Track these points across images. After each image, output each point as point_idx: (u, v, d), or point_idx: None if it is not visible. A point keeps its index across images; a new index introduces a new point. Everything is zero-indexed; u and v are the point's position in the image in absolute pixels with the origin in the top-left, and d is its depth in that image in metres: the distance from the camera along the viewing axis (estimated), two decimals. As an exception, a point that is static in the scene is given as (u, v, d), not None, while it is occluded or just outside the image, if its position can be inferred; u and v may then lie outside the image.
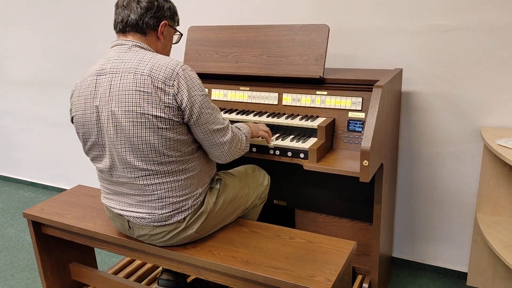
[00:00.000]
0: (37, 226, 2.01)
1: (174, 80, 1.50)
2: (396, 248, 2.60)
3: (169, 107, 1.49)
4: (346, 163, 1.88)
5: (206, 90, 2.33)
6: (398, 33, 2.26)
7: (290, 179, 2.35)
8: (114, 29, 1.66)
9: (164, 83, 1.49)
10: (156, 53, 1.59)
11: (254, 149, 2.03)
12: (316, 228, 2.39)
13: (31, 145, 3.94)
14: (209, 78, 2.36)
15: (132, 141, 1.52)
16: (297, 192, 2.36)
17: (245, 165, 2.08)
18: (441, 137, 2.30)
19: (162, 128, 1.50)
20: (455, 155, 2.29)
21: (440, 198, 2.39)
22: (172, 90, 1.49)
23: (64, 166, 3.80)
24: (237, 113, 2.20)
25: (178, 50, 2.76)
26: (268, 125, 2.09)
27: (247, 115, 2.17)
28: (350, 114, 2.04)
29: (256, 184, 1.98)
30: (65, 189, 3.88)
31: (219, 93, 2.34)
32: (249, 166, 2.07)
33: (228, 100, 2.32)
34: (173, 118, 1.51)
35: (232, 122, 2.16)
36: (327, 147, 2.01)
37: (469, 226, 2.37)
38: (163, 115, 1.49)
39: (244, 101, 2.28)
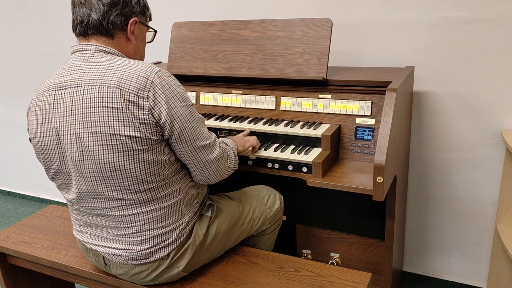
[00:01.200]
0: (2, 256, 1.75)
1: (149, 91, 1.24)
2: (406, 262, 2.38)
3: (144, 123, 1.24)
4: (356, 177, 1.64)
5: (193, 95, 2.07)
6: (408, 27, 2.01)
7: (291, 191, 2.11)
8: (73, 31, 1.38)
9: (136, 95, 1.23)
10: (126, 58, 1.33)
11: (250, 162, 1.78)
12: (320, 244, 2.16)
13: (6, 152, 3.65)
14: (197, 80, 2.11)
15: (102, 168, 1.26)
16: (298, 205, 2.12)
17: (251, 187, 1.83)
18: (456, 141, 2.07)
19: (138, 150, 1.25)
20: (472, 160, 2.07)
21: (455, 207, 2.17)
22: (147, 103, 1.23)
23: (43, 175, 3.52)
24: (230, 120, 1.95)
25: (163, 48, 2.49)
26: (265, 134, 1.84)
27: (240, 122, 1.92)
28: (358, 120, 1.80)
29: (262, 207, 1.73)
30: (45, 199, 3.61)
31: (208, 97, 2.09)
32: (255, 187, 1.82)
33: (218, 105, 2.06)
34: (151, 137, 1.25)
35: (224, 130, 1.91)
36: (333, 158, 1.77)
37: (487, 238, 2.15)
38: (138, 134, 1.24)
39: (237, 106, 2.03)
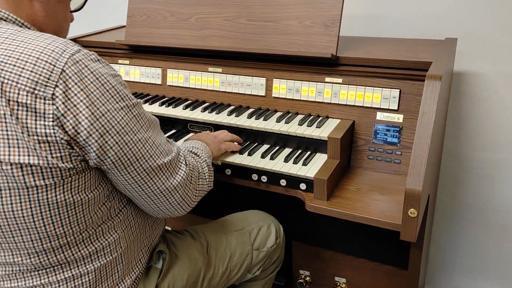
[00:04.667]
0: None
1: (56, 86, 0.74)
2: (427, 280, 1.92)
3: (47, 142, 0.75)
4: (375, 200, 1.16)
5: (159, 72, 1.55)
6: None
7: (285, 199, 1.62)
8: None
9: (32, 93, 0.73)
10: (26, 30, 0.81)
11: (228, 172, 1.29)
12: (321, 266, 1.69)
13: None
14: (162, 53, 1.58)
15: None
16: (295, 218, 1.63)
17: (233, 215, 1.34)
18: (508, 138, 1.56)
19: (38, 187, 0.77)
20: (526, 164, 1.57)
21: (495, 220, 1.69)
22: (51, 106, 0.74)
23: None
24: (205, 109, 1.44)
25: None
26: (250, 130, 1.34)
27: (218, 112, 1.41)
28: (380, 116, 1.29)
29: (247, 248, 1.24)
30: None
31: (177, 76, 1.57)
32: (239, 215, 1.33)
33: (190, 86, 1.55)
34: (60, 165, 0.76)
35: (196, 124, 1.41)
36: (343, 168, 1.28)
37: (536, 260, 1.68)
38: (37, 162, 0.75)
39: (215, 89, 1.51)
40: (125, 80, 1.66)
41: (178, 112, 1.44)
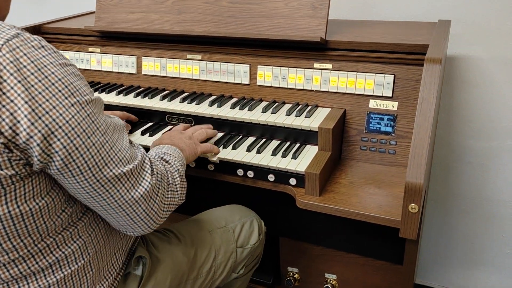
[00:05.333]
0: None
1: None
2: (419, 272, 1.87)
3: None
4: (371, 194, 1.08)
5: (133, 60, 1.44)
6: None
7: (270, 192, 1.53)
8: None
9: None
10: None
11: (211, 167, 1.19)
12: (310, 263, 1.61)
13: None
14: (137, 40, 1.47)
15: None
16: (282, 213, 1.54)
17: (213, 210, 1.24)
18: (501, 125, 1.50)
19: None
20: (519, 151, 1.51)
21: (488, 210, 1.64)
22: None
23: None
24: (183, 100, 1.33)
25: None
26: (234, 122, 1.24)
27: (198, 102, 1.31)
28: (373, 103, 1.20)
29: (231, 246, 1.15)
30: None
31: (153, 64, 1.45)
32: (220, 211, 1.23)
33: (168, 75, 1.44)
34: None
35: (175, 116, 1.30)
36: (334, 161, 1.19)
37: (530, 250, 1.64)
38: None
39: (195, 77, 1.40)
40: (96, 70, 1.54)
41: (155, 103, 1.33)
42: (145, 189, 0.79)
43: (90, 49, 1.54)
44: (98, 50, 1.53)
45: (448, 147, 1.60)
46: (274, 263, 1.66)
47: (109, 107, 1.38)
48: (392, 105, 1.18)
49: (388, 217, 1.00)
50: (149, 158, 0.83)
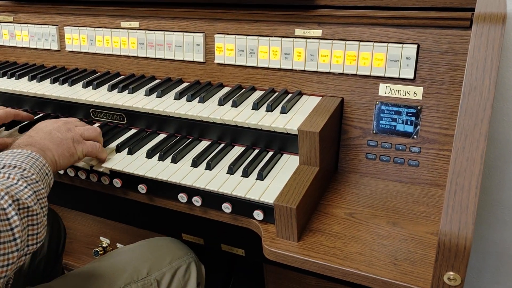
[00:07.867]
0: None
1: None
2: None
3: None
4: (380, 239, 0.71)
5: (53, 31, 1.05)
6: None
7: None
8: None
9: None
10: None
11: (142, 188, 0.79)
12: (303, 294, 1.24)
13: None
14: (57, 2, 1.06)
15: None
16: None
17: (131, 247, 0.86)
18: None
19: None
20: None
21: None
22: None
23: None
24: (112, 87, 0.94)
25: None
26: (179, 120, 0.84)
27: (132, 91, 0.92)
28: (385, 89, 0.80)
29: None
30: None
31: (79, 37, 1.05)
32: (144, 249, 0.85)
33: (98, 52, 1.04)
34: None
35: (101, 109, 0.91)
36: (326, 177, 0.79)
37: None
38: None
39: (132, 54, 1.00)
40: (10, 46, 1.15)
41: (73, 93, 0.94)
42: None
43: (0, 18, 1.14)
44: (11, 18, 1.13)
45: (490, 140, 1.18)
46: (258, 292, 1.30)
47: (18, 98, 0.99)
48: (415, 92, 0.76)
49: (407, 284, 0.60)
50: None
